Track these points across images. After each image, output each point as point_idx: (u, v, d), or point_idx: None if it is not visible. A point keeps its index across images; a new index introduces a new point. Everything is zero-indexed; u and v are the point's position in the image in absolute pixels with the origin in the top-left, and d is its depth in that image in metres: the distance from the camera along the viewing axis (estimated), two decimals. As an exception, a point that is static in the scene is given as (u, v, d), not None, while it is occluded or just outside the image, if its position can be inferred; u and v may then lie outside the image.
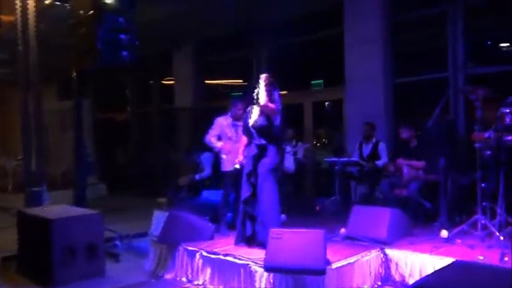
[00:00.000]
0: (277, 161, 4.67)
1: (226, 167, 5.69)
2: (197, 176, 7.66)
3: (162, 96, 11.41)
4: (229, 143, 5.68)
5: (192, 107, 10.28)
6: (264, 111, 4.64)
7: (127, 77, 12.20)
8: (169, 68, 10.90)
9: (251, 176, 4.66)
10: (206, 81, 10.51)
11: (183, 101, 10.48)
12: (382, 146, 6.78)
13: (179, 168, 9.83)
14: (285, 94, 8.23)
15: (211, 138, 5.76)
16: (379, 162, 6.67)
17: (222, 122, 5.77)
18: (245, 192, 4.66)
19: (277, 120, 4.60)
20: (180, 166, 9.92)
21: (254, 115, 4.74)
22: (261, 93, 4.63)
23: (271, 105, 4.60)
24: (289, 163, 7.03)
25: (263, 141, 4.65)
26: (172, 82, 10.95)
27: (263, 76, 4.68)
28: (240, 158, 4.96)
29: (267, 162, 4.60)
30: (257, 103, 4.70)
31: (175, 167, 10.10)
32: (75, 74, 5.79)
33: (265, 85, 4.63)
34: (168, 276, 4.77)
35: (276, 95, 4.63)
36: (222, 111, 5.96)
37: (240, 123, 5.68)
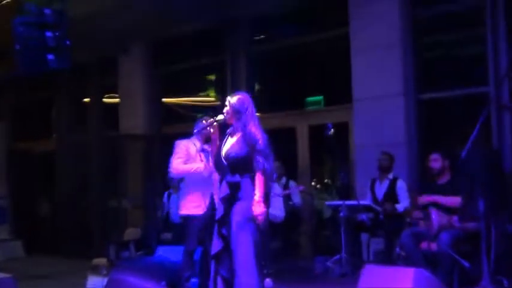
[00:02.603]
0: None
1: (189, 209, 5.68)
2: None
3: (103, 119, 11.39)
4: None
5: (145, 135, 10.30)
6: (243, 137, 4.68)
7: (54, 92, 12.19)
8: (113, 80, 10.93)
9: (222, 226, 4.66)
10: (164, 100, 10.58)
11: (132, 125, 10.47)
12: (401, 185, 6.85)
13: (125, 218, 9.74)
14: (270, 116, 8.35)
15: (178, 163, 5.76)
16: (399, 207, 6.72)
17: (188, 146, 5.81)
18: (215, 246, 4.65)
19: (261, 150, 4.63)
20: (127, 215, 9.83)
21: (228, 143, 4.78)
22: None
23: (253, 128, 4.65)
24: (277, 209, 7.04)
25: (238, 178, 4.67)
26: (116, 100, 10.98)
27: (232, 98, 4.74)
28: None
29: (243, 206, 4.59)
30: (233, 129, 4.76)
31: (119, 216, 10.02)
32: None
33: (232, 113, 4.70)
34: None
35: (250, 127, 4.67)
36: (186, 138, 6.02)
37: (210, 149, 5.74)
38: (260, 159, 4.55)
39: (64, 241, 11.32)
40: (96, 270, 6.76)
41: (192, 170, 5.75)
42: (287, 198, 7.61)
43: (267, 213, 4.79)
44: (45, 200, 12.82)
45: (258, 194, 4.53)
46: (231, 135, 4.79)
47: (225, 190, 4.69)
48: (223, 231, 4.62)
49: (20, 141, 12.99)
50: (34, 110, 12.93)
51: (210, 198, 5.58)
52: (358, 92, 7.68)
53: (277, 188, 7.16)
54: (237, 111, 4.70)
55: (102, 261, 7.49)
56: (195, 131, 5.42)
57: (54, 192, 12.15)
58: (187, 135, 6.06)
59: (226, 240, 4.61)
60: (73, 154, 11.87)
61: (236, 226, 4.55)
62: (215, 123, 4.73)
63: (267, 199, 4.79)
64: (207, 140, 5.69)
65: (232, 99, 4.74)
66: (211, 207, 5.45)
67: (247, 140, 4.63)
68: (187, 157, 5.78)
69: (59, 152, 12.14)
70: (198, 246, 5.70)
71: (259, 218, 4.53)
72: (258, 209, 4.51)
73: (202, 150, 5.77)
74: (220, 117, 4.73)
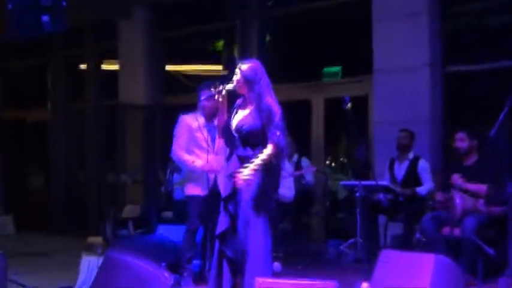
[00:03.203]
0: (270, 185, 4.67)
1: (194, 189, 5.72)
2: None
3: (101, 87, 11.41)
4: (202, 155, 5.72)
5: (146, 105, 10.32)
6: (257, 108, 4.67)
7: (49, 58, 12.21)
8: (113, 45, 10.91)
9: (229, 204, 4.68)
10: (167, 67, 10.57)
11: (133, 94, 10.47)
12: (423, 165, 6.84)
13: (123, 194, 9.81)
14: (282, 88, 8.32)
15: (182, 153, 5.78)
16: (421, 189, 6.73)
17: (191, 123, 5.81)
18: (221, 225, 4.68)
19: (278, 124, 4.62)
20: (125, 191, 9.91)
21: (240, 114, 4.78)
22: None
23: (269, 100, 4.64)
24: (287, 188, 7.06)
25: (249, 152, 4.68)
26: (116, 67, 10.99)
27: (243, 66, 4.72)
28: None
29: (253, 184, 4.62)
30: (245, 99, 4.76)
31: (117, 192, 10.10)
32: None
33: (243, 82, 4.69)
34: None
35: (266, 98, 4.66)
36: (190, 110, 6.02)
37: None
38: (277, 131, 4.55)
39: (57, 217, 11.44)
40: (91, 249, 6.81)
41: (190, 166, 5.77)
42: (299, 176, 7.62)
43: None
44: (37, 173, 12.92)
45: (259, 159, 4.51)
46: (242, 106, 4.78)
47: (234, 165, 4.70)
48: (230, 209, 4.66)
49: (10, 110, 13.03)
50: (26, 76, 12.95)
51: (214, 178, 5.65)
52: (380, 62, 7.65)
53: (287, 167, 7.15)
54: (249, 80, 4.67)
55: (97, 239, 7.53)
56: (202, 98, 5.38)
57: (48, 165, 12.24)
58: (191, 106, 6.07)
59: (232, 219, 4.65)
60: (68, 124, 11.92)
61: (246, 205, 4.58)
62: (224, 92, 4.72)
63: (278, 177, 4.80)
64: (211, 115, 5.70)
65: (243, 67, 4.71)
66: (214, 187, 5.49)
67: (263, 112, 4.62)
68: (189, 137, 5.78)
69: (53, 121, 12.18)
70: (201, 225, 5.74)
71: (239, 180, 4.51)
72: (246, 171, 4.47)
73: (207, 127, 5.76)
74: (229, 86, 4.71)
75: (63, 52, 11.86)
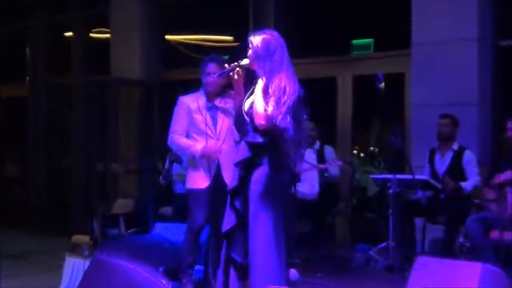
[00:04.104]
0: (284, 176, 4.70)
1: (195, 182, 5.72)
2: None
3: (89, 60, 11.45)
4: (201, 139, 5.76)
5: (142, 81, 10.34)
6: (264, 89, 4.67)
7: (29, 25, 12.23)
8: (103, 11, 10.92)
9: (236, 198, 4.69)
10: (167, 37, 10.58)
11: (127, 68, 10.50)
12: (469, 157, 6.82)
13: (114, 186, 9.85)
14: (303, 63, 8.31)
15: (178, 138, 5.82)
16: (467, 185, 6.70)
17: (190, 105, 5.83)
18: (227, 223, 4.70)
19: (283, 103, 4.61)
20: (117, 182, 9.95)
21: (254, 95, 4.78)
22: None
23: (279, 80, 4.62)
24: (309, 183, 7.06)
25: (259, 139, 4.69)
26: (107, 36, 11.01)
27: (255, 38, 4.71)
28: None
29: (264, 173, 4.63)
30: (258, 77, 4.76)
31: (107, 183, 10.11)
32: None
33: (253, 57, 4.68)
34: None
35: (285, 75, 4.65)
36: (193, 88, 6.03)
37: (222, 105, 5.70)
38: (281, 109, 4.52)
39: (37, 211, 11.54)
40: (76, 249, 6.86)
41: (186, 151, 5.82)
42: (323, 170, 7.62)
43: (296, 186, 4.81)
44: (13, 159, 12.99)
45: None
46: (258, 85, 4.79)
47: (243, 152, 4.72)
48: (237, 203, 4.67)
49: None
50: (3, 46, 12.99)
51: (216, 168, 5.65)
52: (419, 34, 7.61)
53: (310, 157, 7.12)
54: (259, 55, 4.69)
55: (83, 239, 7.59)
56: (215, 75, 5.37)
57: (26, 150, 12.32)
58: (195, 82, 6.07)
59: (240, 216, 4.66)
60: (51, 102, 12.00)
61: (255, 197, 4.59)
62: (239, 69, 4.71)
63: (290, 169, 4.79)
64: (215, 94, 5.73)
65: (255, 39, 4.72)
66: (217, 178, 5.49)
67: (273, 93, 4.61)
68: (188, 120, 5.81)
69: (33, 99, 12.25)
70: (204, 224, 5.77)
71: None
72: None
73: (209, 108, 5.77)
74: (245, 61, 4.72)
75: (46, 18, 11.89)
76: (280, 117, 4.49)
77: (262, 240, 4.56)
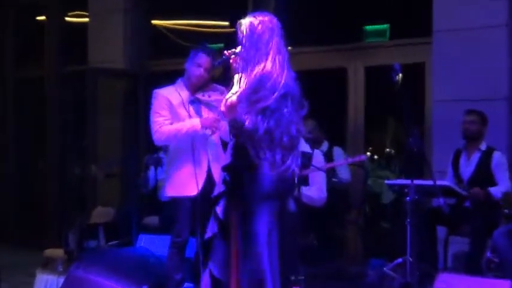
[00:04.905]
0: (257, 179, 4.64)
1: (180, 188, 5.75)
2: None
3: (65, 48, 11.47)
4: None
5: (126, 71, 10.38)
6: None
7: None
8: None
9: (218, 204, 4.72)
10: (154, 21, 10.62)
11: (108, 57, 10.52)
12: (499, 159, 6.83)
13: (93, 192, 9.90)
14: (309, 51, 8.34)
15: (167, 126, 5.78)
16: (495, 191, 6.70)
17: (171, 98, 5.85)
18: (209, 230, 4.75)
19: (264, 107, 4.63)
20: (96, 188, 10.00)
21: (236, 86, 4.79)
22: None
23: (263, 69, 4.64)
24: (316, 188, 7.08)
25: (226, 137, 4.77)
26: (85, 20, 11.03)
27: (242, 24, 4.73)
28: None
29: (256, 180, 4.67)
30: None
31: (85, 189, 10.15)
32: None
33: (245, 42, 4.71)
34: None
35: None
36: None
37: (206, 98, 5.78)
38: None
39: (4, 222, 11.54)
40: (48, 265, 6.90)
41: (184, 131, 5.71)
42: (330, 172, 7.62)
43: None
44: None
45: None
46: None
47: (228, 155, 4.76)
48: (218, 211, 4.68)
49: None
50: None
51: (207, 172, 5.69)
52: (441, 21, 7.65)
53: (318, 159, 7.11)
54: (243, 42, 4.69)
55: (57, 252, 7.63)
56: (215, 63, 5.38)
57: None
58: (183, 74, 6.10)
59: (222, 225, 4.67)
60: (21, 97, 12.01)
61: (245, 205, 4.60)
62: (234, 56, 4.75)
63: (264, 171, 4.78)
64: (199, 87, 5.78)
65: (242, 24, 4.74)
66: (208, 184, 5.51)
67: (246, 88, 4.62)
68: (172, 114, 5.82)
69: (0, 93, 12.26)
70: (190, 237, 5.80)
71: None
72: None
73: (192, 102, 5.83)
74: (239, 49, 4.74)
75: (15, 1, 11.91)
76: (242, 110, 4.51)
77: (255, 257, 4.54)
